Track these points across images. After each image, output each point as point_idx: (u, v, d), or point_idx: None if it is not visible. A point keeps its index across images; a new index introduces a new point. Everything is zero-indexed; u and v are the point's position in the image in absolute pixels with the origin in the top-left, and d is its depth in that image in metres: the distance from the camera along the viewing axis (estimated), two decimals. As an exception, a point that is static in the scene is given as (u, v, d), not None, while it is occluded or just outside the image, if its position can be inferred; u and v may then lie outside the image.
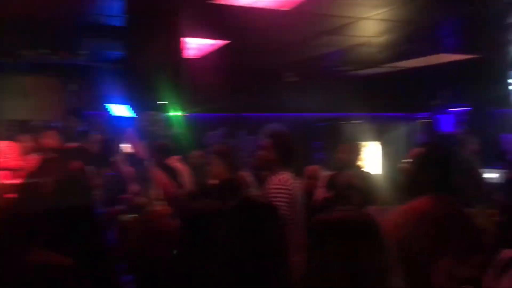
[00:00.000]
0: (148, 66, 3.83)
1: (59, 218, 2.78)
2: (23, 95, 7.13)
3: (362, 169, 3.97)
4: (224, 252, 1.77)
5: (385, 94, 7.69)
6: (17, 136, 4.99)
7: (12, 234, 2.41)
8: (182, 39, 3.83)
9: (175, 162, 4.54)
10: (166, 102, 3.81)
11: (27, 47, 5.32)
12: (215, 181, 4.28)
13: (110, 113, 7.06)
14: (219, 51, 5.39)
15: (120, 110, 6.92)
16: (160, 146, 4.75)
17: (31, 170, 4.30)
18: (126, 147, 3.80)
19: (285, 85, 7.54)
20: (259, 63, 6.23)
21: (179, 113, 6.38)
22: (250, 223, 1.80)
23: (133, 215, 4.36)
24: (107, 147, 4.94)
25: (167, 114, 6.14)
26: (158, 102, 3.83)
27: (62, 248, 2.50)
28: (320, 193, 3.92)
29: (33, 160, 4.50)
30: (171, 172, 4.27)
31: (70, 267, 2.33)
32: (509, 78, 4.77)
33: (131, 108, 6.70)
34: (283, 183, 2.84)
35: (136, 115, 7.02)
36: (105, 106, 6.92)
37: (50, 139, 4.28)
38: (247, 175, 4.79)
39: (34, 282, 1.93)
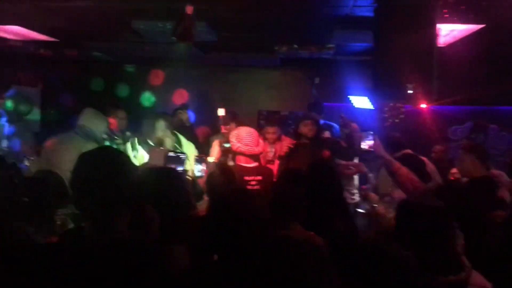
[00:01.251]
0: (397, 56, 3.72)
1: (312, 199, 2.94)
2: (273, 87, 7.88)
3: None
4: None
5: None
6: (266, 126, 5.45)
7: (272, 211, 2.65)
8: (436, 25, 3.62)
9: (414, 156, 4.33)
10: (412, 93, 3.64)
11: (281, 43, 5.78)
12: (465, 179, 3.96)
13: (352, 105, 7.19)
14: (473, 36, 4.94)
15: (362, 102, 6.98)
16: (394, 139, 4.60)
17: (284, 155, 4.67)
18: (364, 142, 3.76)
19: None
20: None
21: (424, 105, 6.10)
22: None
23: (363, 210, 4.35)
24: (350, 140, 5.02)
25: (412, 105, 5.94)
26: (403, 94, 3.69)
27: (315, 228, 2.65)
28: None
29: (281, 146, 4.88)
30: (416, 166, 4.09)
31: (323, 247, 2.45)
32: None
33: (371, 100, 6.70)
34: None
35: (376, 107, 6.98)
36: (347, 98, 7.08)
37: (306, 128, 4.55)
38: (500, 175, 4.30)
39: (292, 257, 2.02)
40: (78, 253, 1.44)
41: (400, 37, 3.65)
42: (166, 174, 2.08)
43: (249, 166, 3.91)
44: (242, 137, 3.88)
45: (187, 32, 3.44)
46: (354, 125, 5.74)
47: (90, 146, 3.95)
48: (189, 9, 3.41)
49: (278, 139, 5.28)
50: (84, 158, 1.60)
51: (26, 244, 1.82)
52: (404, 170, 3.33)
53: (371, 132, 3.59)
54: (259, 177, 3.87)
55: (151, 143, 4.42)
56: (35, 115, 7.11)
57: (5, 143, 4.72)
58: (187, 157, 2.54)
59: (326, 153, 4.47)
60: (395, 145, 4.42)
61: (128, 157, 1.73)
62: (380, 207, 3.54)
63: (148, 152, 3.05)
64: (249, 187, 3.81)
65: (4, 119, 4.76)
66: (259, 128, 7.09)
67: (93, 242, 1.47)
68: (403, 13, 3.67)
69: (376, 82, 4.02)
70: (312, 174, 3.08)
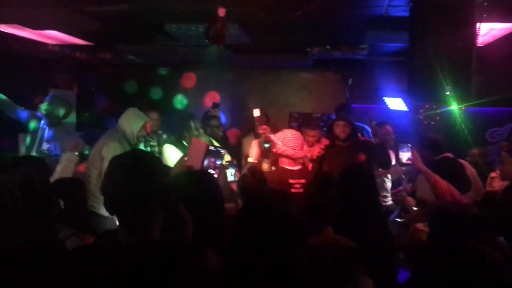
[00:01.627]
0: (434, 57, 3.62)
1: (346, 204, 2.89)
2: (305, 89, 7.83)
3: None
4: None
5: None
6: (306, 129, 5.42)
7: (306, 215, 2.61)
8: (476, 24, 3.50)
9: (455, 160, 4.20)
10: (449, 94, 3.53)
11: (313, 44, 5.72)
12: (506, 183, 3.82)
13: (387, 106, 7.07)
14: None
15: (396, 103, 6.86)
16: (434, 142, 4.46)
17: (320, 158, 4.62)
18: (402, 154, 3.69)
19: None
20: None
21: (460, 106, 5.95)
22: None
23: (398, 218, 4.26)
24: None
25: (448, 107, 5.79)
26: (440, 95, 3.58)
27: (349, 233, 2.59)
28: None
29: (319, 149, 4.83)
30: (455, 171, 3.93)
31: (357, 250, 2.39)
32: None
33: (405, 101, 6.58)
34: None
35: (411, 108, 6.85)
36: (382, 99, 6.97)
37: (338, 129, 4.48)
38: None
39: (322, 260, 1.98)
40: (112, 257, 1.44)
41: (437, 37, 3.55)
42: (199, 176, 2.07)
43: (293, 169, 3.95)
44: (288, 140, 3.93)
45: (220, 34, 3.45)
46: (388, 127, 5.64)
47: (123, 147, 4.07)
48: (221, 12, 3.41)
49: (318, 141, 5.24)
50: (115, 162, 1.61)
51: (63, 247, 1.83)
52: (442, 182, 3.23)
53: (408, 144, 3.54)
54: (303, 180, 3.90)
55: (185, 143, 4.48)
56: (71, 117, 7.28)
57: (45, 146, 4.87)
58: (225, 153, 2.54)
59: (362, 157, 4.39)
60: (435, 148, 4.29)
61: (159, 160, 1.73)
62: (419, 225, 3.44)
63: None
64: (293, 190, 3.86)
65: (44, 122, 4.89)
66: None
67: (127, 246, 1.47)
68: (440, 12, 3.56)
69: (411, 83, 3.91)
70: (346, 178, 3.03)
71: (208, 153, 2.48)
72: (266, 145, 4.35)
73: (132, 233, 1.51)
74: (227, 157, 4.29)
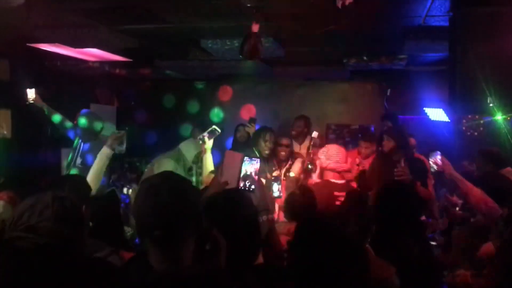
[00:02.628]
0: (475, 66, 3.50)
1: (384, 223, 2.80)
2: (342, 100, 7.72)
3: None
4: None
5: None
6: (360, 140, 5.37)
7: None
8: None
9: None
10: (493, 105, 3.39)
11: (350, 55, 5.64)
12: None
13: (428, 117, 6.89)
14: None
15: (437, 114, 6.67)
16: (495, 155, 4.26)
17: (362, 172, 4.55)
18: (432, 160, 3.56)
19: None
20: None
21: (505, 117, 5.71)
22: None
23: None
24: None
25: (492, 117, 5.57)
26: (483, 105, 3.44)
27: (387, 253, 2.51)
28: None
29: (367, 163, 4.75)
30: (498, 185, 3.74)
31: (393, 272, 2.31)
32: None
33: (446, 112, 6.38)
34: None
35: (452, 119, 6.64)
36: (423, 110, 6.79)
37: (389, 144, 4.38)
38: None
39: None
40: (142, 283, 1.43)
41: (478, 46, 3.42)
42: (232, 198, 2.04)
43: (339, 182, 3.97)
44: (332, 154, 4.00)
45: (254, 49, 3.44)
46: (412, 139, 5.48)
47: (178, 165, 4.22)
48: (255, 27, 3.41)
49: (373, 153, 5.15)
50: (145, 184, 1.60)
51: (98, 267, 1.83)
52: (477, 190, 3.09)
53: (438, 152, 3.42)
54: None
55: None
56: (109, 131, 7.48)
57: (79, 161, 5.02)
58: (260, 161, 2.47)
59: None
60: (498, 160, 4.10)
61: (190, 183, 1.71)
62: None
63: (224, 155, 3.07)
64: (337, 202, 3.86)
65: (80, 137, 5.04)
66: (327, 142, 6.99)
67: (158, 271, 1.46)
68: (481, 21, 3.44)
69: (452, 94, 3.79)
70: (384, 196, 2.94)
71: (244, 164, 2.41)
72: (310, 166, 4.41)
73: (163, 258, 1.49)
74: (275, 173, 4.28)
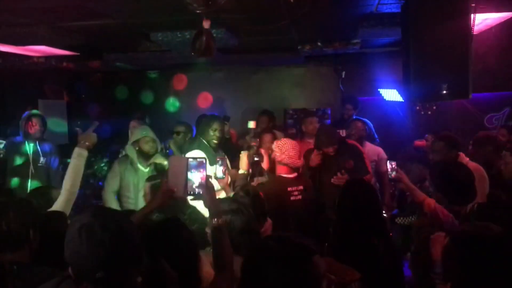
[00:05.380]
0: (429, 50, 3.52)
1: (344, 223, 2.79)
2: (298, 85, 7.70)
3: None
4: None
5: None
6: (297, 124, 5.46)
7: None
8: (472, 14, 3.38)
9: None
10: (447, 89, 3.43)
11: (303, 42, 5.59)
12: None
13: (382, 98, 6.98)
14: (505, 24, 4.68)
15: (392, 94, 6.77)
16: (453, 139, 4.29)
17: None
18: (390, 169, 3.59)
19: None
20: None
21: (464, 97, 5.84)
22: None
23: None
24: None
25: (447, 100, 5.68)
26: (436, 89, 3.48)
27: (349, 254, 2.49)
28: None
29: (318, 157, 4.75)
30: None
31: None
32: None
33: (400, 92, 6.47)
34: None
35: (407, 99, 6.74)
36: (378, 91, 6.87)
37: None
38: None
39: None
40: None
41: (432, 29, 3.44)
42: (170, 230, 1.97)
43: (291, 177, 3.99)
44: (286, 149, 3.95)
45: (206, 47, 3.31)
46: (359, 124, 5.64)
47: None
48: (206, 24, 3.27)
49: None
50: (76, 227, 1.47)
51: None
52: (430, 200, 3.09)
53: (393, 162, 3.46)
54: (301, 187, 3.99)
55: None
56: (62, 127, 7.19)
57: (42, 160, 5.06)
58: (206, 161, 2.33)
59: (350, 163, 4.38)
60: (459, 145, 4.10)
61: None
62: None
63: (168, 161, 2.92)
64: (292, 197, 3.93)
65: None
66: (285, 127, 6.99)
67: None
68: (434, 4, 3.46)
69: (407, 79, 3.80)
70: (343, 195, 2.93)
71: (190, 167, 2.29)
72: (256, 159, 4.34)
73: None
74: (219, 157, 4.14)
